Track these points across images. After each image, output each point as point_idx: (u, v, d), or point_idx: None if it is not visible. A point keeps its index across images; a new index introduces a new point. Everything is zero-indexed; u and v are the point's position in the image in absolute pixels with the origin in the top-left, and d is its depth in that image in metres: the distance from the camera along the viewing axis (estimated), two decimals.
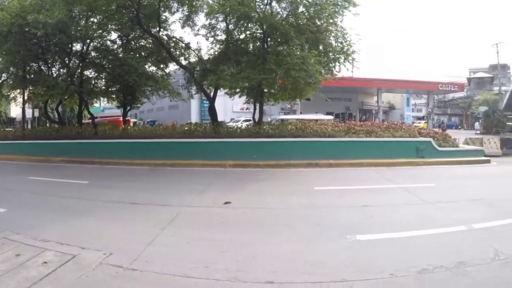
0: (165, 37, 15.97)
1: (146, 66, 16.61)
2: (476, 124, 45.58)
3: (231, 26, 13.87)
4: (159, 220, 5.68)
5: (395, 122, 15.16)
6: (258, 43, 13.71)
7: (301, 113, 30.33)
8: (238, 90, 13.73)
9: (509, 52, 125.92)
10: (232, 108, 40.12)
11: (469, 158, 13.53)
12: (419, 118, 55.74)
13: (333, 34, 13.05)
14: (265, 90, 13.69)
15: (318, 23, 12.58)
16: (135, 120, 34.15)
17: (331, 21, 12.68)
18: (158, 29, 15.19)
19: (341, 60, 13.40)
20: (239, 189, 8.01)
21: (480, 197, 7.70)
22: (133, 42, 17.23)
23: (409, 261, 4.14)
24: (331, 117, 21.76)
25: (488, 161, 13.81)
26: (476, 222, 5.79)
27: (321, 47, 12.92)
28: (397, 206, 6.73)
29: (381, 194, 7.73)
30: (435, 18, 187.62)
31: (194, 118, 37.88)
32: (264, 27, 12.66)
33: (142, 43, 17.34)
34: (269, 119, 24.28)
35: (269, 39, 13.31)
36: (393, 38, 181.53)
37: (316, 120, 16.87)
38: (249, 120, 21.70)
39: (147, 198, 7.37)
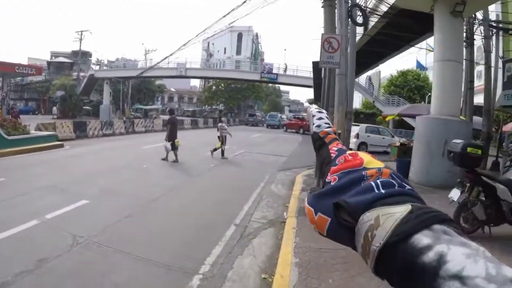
0: None
1: None
2: (54, 108, 46.28)
3: None
4: None
5: None
6: None
7: None
8: None
9: (92, 41, 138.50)
10: None
11: (42, 144, 13.50)
12: None
13: None
14: None
15: None
16: None
17: None
18: None
19: None
20: None
21: (51, 184, 7.63)
22: None
23: None
24: None
25: (62, 146, 14.38)
26: (50, 211, 5.63)
27: None
28: None
29: None
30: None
31: None
32: None
33: None
34: None
35: None
36: None
37: None
38: None
39: None
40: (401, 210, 0.35)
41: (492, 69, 14.76)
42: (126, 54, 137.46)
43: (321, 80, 8.80)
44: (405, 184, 0.40)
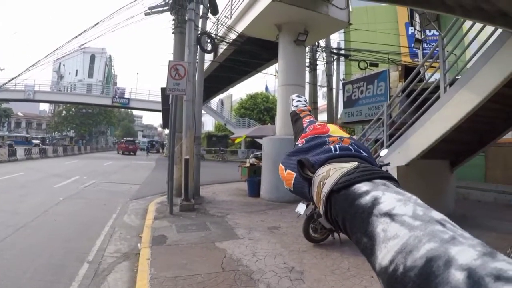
0: None
1: None
2: None
3: None
4: None
5: None
6: None
7: None
8: None
9: None
10: None
11: None
12: None
13: None
14: None
15: None
16: None
17: None
18: None
19: None
20: None
21: None
22: None
23: None
24: None
25: None
26: None
27: None
28: None
29: None
30: None
31: None
32: None
33: None
34: None
35: None
36: None
37: None
38: None
39: None
40: (348, 166, 0.42)
41: (334, 90, 17.21)
42: None
43: (169, 106, 8.53)
44: (362, 151, 0.46)
